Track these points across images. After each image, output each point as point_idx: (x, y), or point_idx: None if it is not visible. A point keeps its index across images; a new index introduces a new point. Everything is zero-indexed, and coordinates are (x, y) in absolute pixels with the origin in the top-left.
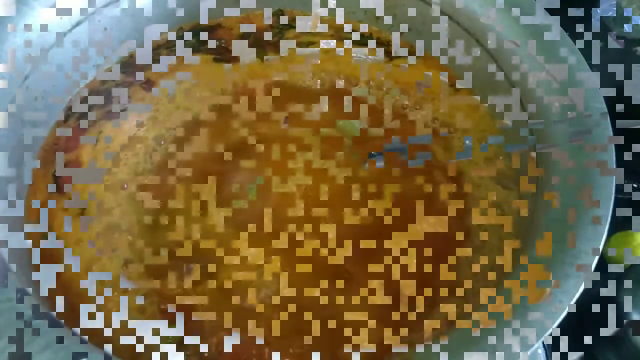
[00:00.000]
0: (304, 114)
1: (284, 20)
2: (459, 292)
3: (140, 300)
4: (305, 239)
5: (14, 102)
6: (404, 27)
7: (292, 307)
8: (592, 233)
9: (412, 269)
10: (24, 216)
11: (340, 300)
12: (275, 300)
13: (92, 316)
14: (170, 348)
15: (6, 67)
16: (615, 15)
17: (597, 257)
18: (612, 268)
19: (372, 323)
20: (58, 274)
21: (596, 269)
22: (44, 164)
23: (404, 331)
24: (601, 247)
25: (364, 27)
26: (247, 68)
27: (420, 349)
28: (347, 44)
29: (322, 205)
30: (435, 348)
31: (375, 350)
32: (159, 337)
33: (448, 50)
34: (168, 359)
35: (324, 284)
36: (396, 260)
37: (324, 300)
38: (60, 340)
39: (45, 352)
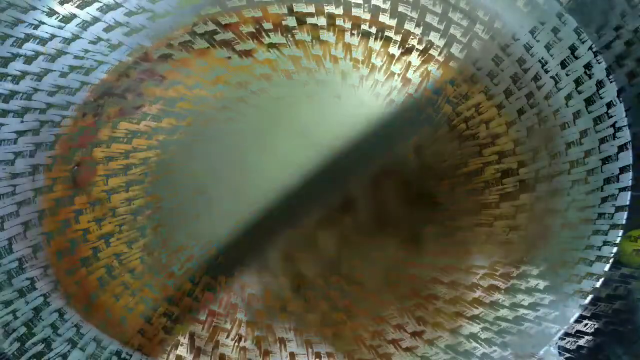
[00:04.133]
0: None
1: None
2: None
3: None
4: None
5: (30, 98)
6: (416, 22)
7: None
8: (608, 230)
9: None
10: (42, 213)
11: None
12: None
13: (108, 308)
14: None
15: (23, 63)
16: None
17: (612, 255)
18: (626, 265)
19: None
20: (77, 268)
21: (610, 266)
22: (60, 161)
23: None
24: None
25: (378, 21)
26: (261, 64)
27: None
28: (359, 37)
29: None
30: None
31: None
32: (171, 328)
33: (461, 45)
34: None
35: None
36: None
37: None
38: (76, 331)
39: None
